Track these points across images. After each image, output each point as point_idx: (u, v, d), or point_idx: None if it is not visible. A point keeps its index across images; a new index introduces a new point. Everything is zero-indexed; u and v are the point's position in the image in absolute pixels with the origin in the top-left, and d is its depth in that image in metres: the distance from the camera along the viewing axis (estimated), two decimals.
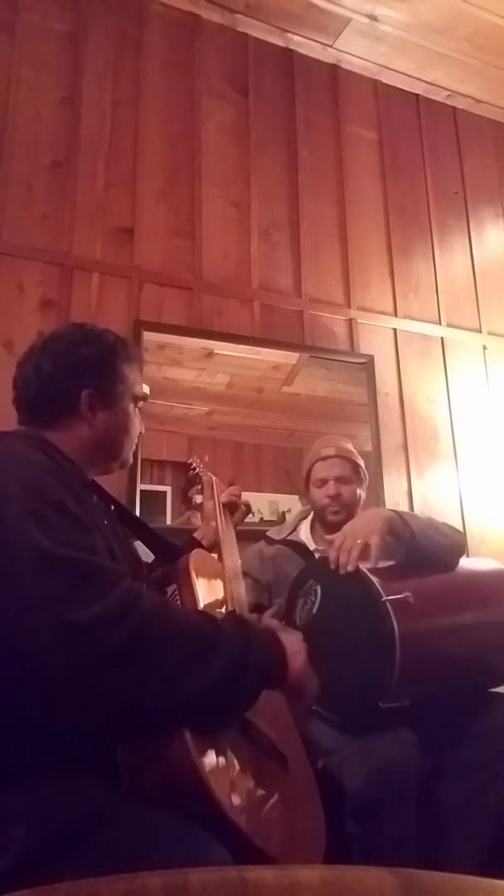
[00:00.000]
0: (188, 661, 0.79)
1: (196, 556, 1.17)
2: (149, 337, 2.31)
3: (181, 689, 0.78)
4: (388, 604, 1.19)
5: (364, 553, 1.31)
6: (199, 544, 1.41)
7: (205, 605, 1.05)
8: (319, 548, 1.67)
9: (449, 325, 2.91)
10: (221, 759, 0.82)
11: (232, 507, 1.45)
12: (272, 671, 0.90)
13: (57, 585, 0.75)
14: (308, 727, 1.31)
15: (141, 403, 1.17)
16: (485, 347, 2.96)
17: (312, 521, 1.78)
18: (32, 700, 0.77)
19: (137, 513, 2.09)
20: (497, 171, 3.32)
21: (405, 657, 1.16)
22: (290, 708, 1.11)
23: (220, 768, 0.80)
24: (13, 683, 0.76)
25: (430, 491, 2.63)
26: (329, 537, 1.46)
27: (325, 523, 1.71)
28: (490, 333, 3.00)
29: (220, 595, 1.15)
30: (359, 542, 1.32)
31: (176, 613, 0.85)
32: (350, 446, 1.80)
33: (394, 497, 2.54)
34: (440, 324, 2.90)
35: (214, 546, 1.37)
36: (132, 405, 1.13)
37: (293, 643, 0.96)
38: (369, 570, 1.28)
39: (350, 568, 1.30)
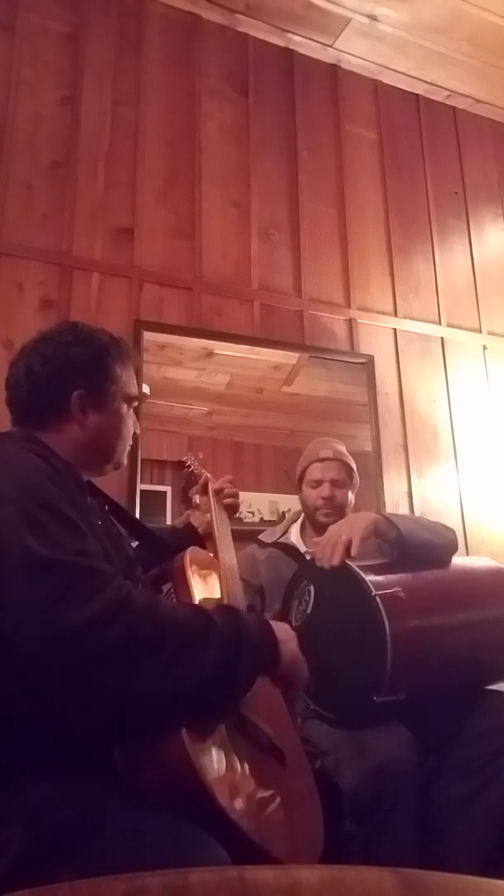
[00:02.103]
0: (181, 655, 0.80)
1: (192, 553, 1.18)
2: (149, 337, 2.31)
3: (176, 684, 0.79)
4: (377, 598, 1.21)
5: (348, 551, 1.33)
6: (194, 531, 1.42)
7: (201, 603, 1.05)
8: (309, 550, 1.67)
9: (449, 325, 2.91)
10: (218, 756, 0.82)
11: (231, 508, 1.45)
12: (264, 659, 0.91)
13: (49, 589, 0.75)
14: (305, 728, 1.31)
15: (135, 404, 1.15)
16: (485, 347, 2.96)
17: (302, 524, 1.78)
18: (29, 702, 0.77)
19: (137, 513, 2.10)
20: (497, 171, 3.32)
21: (397, 651, 1.17)
22: (282, 694, 1.11)
23: (217, 765, 0.80)
24: (11, 685, 0.77)
25: (430, 491, 2.63)
26: (317, 539, 1.48)
27: (316, 525, 1.72)
28: (490, 333, 3.00)
29: (216, 592, 1.15)
30: (343, 538, 1.34)
31: (166, 609, 0.85)
32: (344, 449, 1.81)
33: (394, 497, 2.54)
34: (440, 324, 2.90)
35: (208, 535, 1.38)
36: (125, 406, 1.12)
37: (283, 631, 0.96)
38: (360, 566, 1.29)
39: (335, 562, 1.32)
